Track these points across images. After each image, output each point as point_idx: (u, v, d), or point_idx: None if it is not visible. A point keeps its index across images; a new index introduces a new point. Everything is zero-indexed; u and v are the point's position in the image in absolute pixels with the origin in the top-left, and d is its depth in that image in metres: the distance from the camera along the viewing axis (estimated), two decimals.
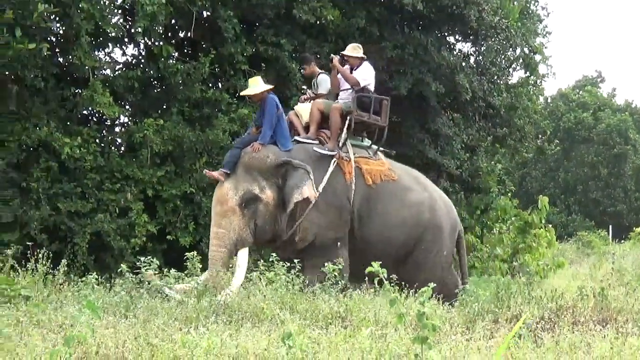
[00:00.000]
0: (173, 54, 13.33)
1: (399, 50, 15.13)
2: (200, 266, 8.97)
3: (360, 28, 14.82)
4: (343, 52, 10.52)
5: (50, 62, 11.81)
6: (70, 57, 12.04)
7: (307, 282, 8.23)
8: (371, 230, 9.89)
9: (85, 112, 12.93)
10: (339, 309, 7.18)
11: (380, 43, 14.96)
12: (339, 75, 10.29)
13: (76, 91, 12.48)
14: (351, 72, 10.33)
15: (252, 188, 9.51)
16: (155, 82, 13.67)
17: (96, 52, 12.92)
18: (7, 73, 11.45)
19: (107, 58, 13.58)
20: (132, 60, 14.06)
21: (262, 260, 8.81)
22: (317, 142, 10.05)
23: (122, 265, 8.21)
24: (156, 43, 13.13)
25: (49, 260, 8.11)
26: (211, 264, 9.31)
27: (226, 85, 13.93)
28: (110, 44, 13.27)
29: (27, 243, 9.93)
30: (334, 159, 9.86)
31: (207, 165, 12.67)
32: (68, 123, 12.25)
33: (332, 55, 10.63)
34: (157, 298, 7.60)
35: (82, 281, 8.16)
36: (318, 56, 13.75)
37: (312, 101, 10.39)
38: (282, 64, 13.84)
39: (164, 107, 13.41)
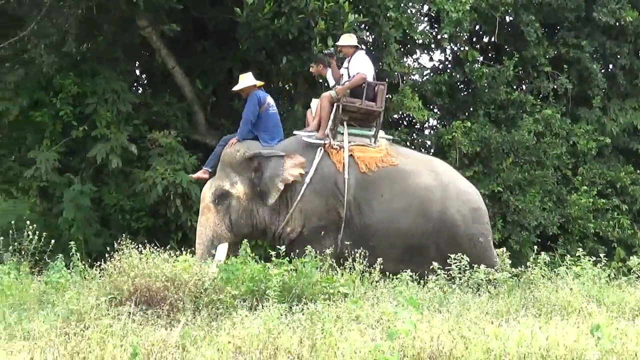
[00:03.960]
0: (478, 58, 13.73)
1: None
2: (510, 262, 9.00)
3: None
4: (337, 43, 10.37)
5: None
6: (380, 63, 12.42)
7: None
8: (373, 217, 9.46)
9: (396, 115, 13.51)
10: None
11: None
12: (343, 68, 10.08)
13: (387, 96, 12.65)
14: (347, 62, 10.07)
15: (222, 184, 9.56)
16: (462, 85, 14.14)
17: (405, 59, 13.61)
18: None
19: (415, 64, 14.29)
20: (439, 65, 14.63)
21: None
22: (313, 132, 9.82)
23: (433, 262, 8.26)
24: (462, 48, 13.70)
25: (365, 260, 8.21)
26: (196, 260, 9.27)
27: (530, 87, 14.12)
28: (417, 51, 14.07)
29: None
30: (320, 147, 9.60)
31: (514, 165, 13.06)
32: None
33: (327, 50, 10.37)
34: (468, 293, 7.68)
35: (396, 278, 8.29)
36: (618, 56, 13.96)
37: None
38: (583, 65, 13.82)
39: (471, 109, 13.81)
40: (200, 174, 10.07)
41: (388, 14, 12.25)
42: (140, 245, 7.71)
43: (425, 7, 13.63)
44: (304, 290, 7.37)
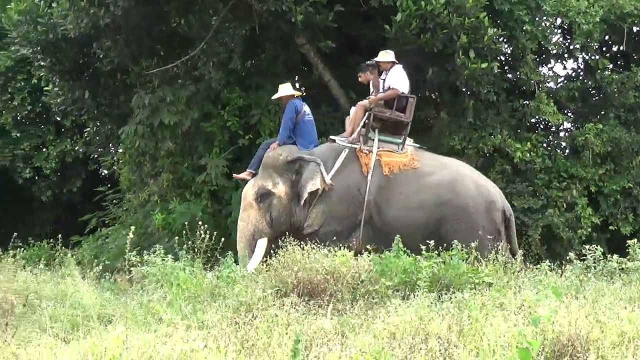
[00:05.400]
0: (608, 66, 13.94)
1: None
2: None
3: None
4: (376, 59, 10.88)
5: (500, 79, 12.98)
6: (518, 73, 13.25)
7: None
8: (391, 214, 9.96)
9: (532, 120, 13.99)
10: None
11: None
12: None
13: (524, 102, 13.59)
14: (384, 74, 10.70)
15: (265, 184, 10.16)
16: (593, 91, 14.31)
17: (540, 68, 13.97)
18: (464, 89, 12.90)
19: (550, 72, 14.61)
20: (572, 73, 14.92)
21: None
22: (347, 138, 10.35)
23: (569, 253, 8.56)
24: (592, 57, 13.82)
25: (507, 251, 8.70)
26: (238, 253, 9.93)
27: None
28: (552, 60, 14.32)
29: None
30: (346, 150, 10.18)
31: None
32: (518, 130, 13.41)
33: (369, 62, 10.97)
34: (603, 281, 7.73)
35: (536, 268, 8.66)
36: None
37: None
38: None
39: (602, 112, 13.99)
40: (244, 175, 10.69)
41: (524, 27, 12.81)
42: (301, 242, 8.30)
43: (559, 20, 13.95)
44: (452, 281, 7.81)
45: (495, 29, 11.87)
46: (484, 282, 7.92)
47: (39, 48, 14.06)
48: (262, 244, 9.98)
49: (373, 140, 10.36)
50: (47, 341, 5.81)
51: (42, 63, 14.77)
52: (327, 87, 13.27)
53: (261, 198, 10.18)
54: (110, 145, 17.38)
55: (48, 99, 16.42)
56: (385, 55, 10.80)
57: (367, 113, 10.39)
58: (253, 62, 14.41)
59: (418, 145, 10.86)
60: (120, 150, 15.55)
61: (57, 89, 15.40)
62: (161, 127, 12.93)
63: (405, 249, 8.42)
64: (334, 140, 10.52)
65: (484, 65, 11.72)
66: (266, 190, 10.19)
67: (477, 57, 11.76)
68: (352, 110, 10.73)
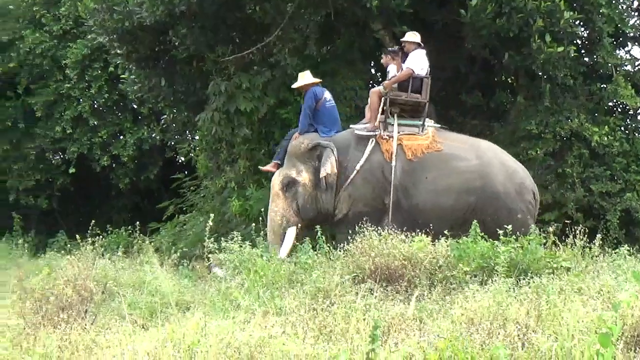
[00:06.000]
0: None
1: None
2: None
3: None
4: (402, 39, 10.92)
5: (577, 62, 12.80)
6: (594, 56, 13.13)
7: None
8: (419, 198, 9.96)
9: (610, 104, 13.78)
10: None
11: None
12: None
13: (601, 86, 13.43)
14: (406, 57, 10.65)
15: (290, 173, 10.32)
16: None
17: (617, 51, 13.76)
18: (540, 73, 12.68)
19: (627, 55, 14.24)
20: None
21: None
22: (367, 125, 10.37)
23: None
24: None
25: (585, 236, 8.42)
26: (269, 242, 9.96)
27: None
28: (629, 43, 14.18)
29: (565, 221, 11.05)
30: (372, 139, 10.18)
31: None
32: (595, 114, 13.28)
33: (391, 48, 11.13)
34: None
35: (615, 252, 8.72)
36: None
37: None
38: None
39: None
40: (269, 167, 10.92)
41: (601, 10, 12.62)
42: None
43: (635, 3, 13.81)
44: (530, 265, 7.86)
45: (571, 12, 11.72)
46: (562, 266, 7.94)
47: (115, 36, 14.17)
48: (291, 232, 10.13)
49: (392, 125, 10.38)
50: (125, 328, 5.95)
51: (118, 51, 14.93)
52: None
53: (287, 187, 10.37)
54: (187, 132, 17.64)
55: (125, 87, 16.79)
56: (411, 36, 10.86)
57: (382, 99, 10.41)
58: (328, 48, 14.47)
59: (439, 126, 10.85)
60: (197, 137, 15.76)
61: (133, 76, 15.62)
62: (237, 114, 13.11)
63: (433, 232, 8.56)
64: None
65: (560, 49, 11.61)
66: (291, 179, 10.38)
67: (554, 41, 11.65)
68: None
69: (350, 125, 10.71)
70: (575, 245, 8.48)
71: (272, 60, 13.78)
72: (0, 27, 19.92)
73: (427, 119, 10.53)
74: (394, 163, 10.02)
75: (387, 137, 10.24)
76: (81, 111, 19.33)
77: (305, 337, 5.27)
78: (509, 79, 14.32)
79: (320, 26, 13.71)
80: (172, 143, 19.21)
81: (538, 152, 12.80)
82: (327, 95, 10.83)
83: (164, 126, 18.12)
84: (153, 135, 19.44)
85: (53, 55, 19.81)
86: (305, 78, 10.95)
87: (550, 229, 8.78)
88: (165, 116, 17.31)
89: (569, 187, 12.84)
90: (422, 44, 10.78)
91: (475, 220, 8.82)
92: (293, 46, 13.69)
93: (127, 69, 15.87)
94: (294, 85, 11.28)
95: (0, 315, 6.70)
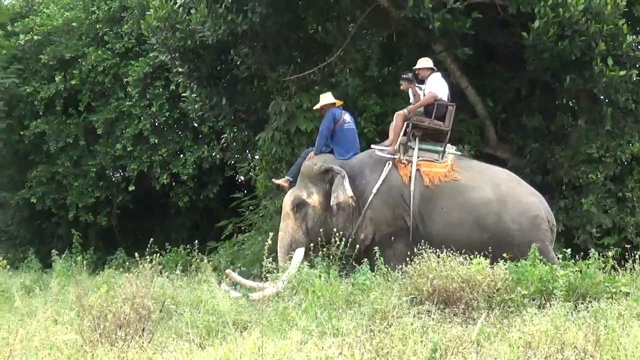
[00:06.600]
0: None
1: None
2: None
3: None
4: (414, 67, 10.92)
5: (639, 86, 12.51)
6: None
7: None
8: (434, 227, 9.84)
9: None
10: None
11: None
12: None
13: None
14: (422, 83, 10.69)
15: (301, 194, 10.38)
16: None
17: None
18: (602, 97, 12.69)
19: None
20: None
21: None
22: (387, 148, 10.31)
23: None
24: None
25: None
26: (278, 262, 9.90)
27: None
28: None
29: (625, 245, 10.79)
30: (389, 162, 10.14)
31: None
32: None
33: (405, 74, 11.04)
34: None
35: None
36: None
37: None
38: None
39: None
40: (282, 181, 11.09)
41: None
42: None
43: None
44: (588, 290, 7.76)
45: (634, 36, 11.59)
46: (621, 291, 7.90)
47: (177, 54, 14.38)
48: (299, 253, 10.15)
49: (413, 149, 10.38)
50: (183, 347, 6.02)
51: (180, 69, 15.13)
52: (464, 94, 13.20)
53: (297, 208, 10.45)
54: (247, 151, 17.61)
55: (185, 105, 16.97)
56: (424, 62, 10.96)
57: (406, 122, 10.46)
58: (390, 69, 14.52)
59: (460, 153, 10.86)
60: (257, 157, 15.88)
61: (194, 95, 15.79)
62: (298, 134, 13.21)
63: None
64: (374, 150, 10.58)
65: (623, 72, 11.51)
66: (301, 200, 10.46)
67: (616, 65, 11.53)
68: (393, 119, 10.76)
69: (372, 146, 10.82)
70: (635, 269, 8.50)
71: (333, 80, 14.02)
72: (63, 44, 20.23)
73: (448, 145, 10.55)
74: (412, 187, 10.02)
75: (406, 162, 10.28)
76: (142, 129, 19.48)
77: (362, 358, 5.29)
78: (570, 102, 14.16)
79: (382, 47, 13.90)
80: (232, 162, 19.16)
81: (598, 176, 12.71)
82: (347, 117, 10.94)
83: (224, 145, 18.13)
84: (213, 154, 19.40)
85: (115, 73, 20.07)
86: (325, 99, 11.07)
87: (610, 253, 8.71)
88: (226, 135, 17.43)
89: (629, 211, 12.76)
90: (435, 69, 10.91)
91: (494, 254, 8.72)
92: (354, 67, 13.94)
93: (189, 87, 16.00)
94: (315, 107, 11.44)
95: (58, 332, 6.75)
